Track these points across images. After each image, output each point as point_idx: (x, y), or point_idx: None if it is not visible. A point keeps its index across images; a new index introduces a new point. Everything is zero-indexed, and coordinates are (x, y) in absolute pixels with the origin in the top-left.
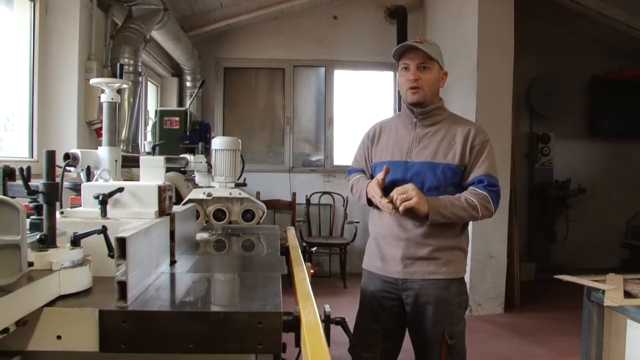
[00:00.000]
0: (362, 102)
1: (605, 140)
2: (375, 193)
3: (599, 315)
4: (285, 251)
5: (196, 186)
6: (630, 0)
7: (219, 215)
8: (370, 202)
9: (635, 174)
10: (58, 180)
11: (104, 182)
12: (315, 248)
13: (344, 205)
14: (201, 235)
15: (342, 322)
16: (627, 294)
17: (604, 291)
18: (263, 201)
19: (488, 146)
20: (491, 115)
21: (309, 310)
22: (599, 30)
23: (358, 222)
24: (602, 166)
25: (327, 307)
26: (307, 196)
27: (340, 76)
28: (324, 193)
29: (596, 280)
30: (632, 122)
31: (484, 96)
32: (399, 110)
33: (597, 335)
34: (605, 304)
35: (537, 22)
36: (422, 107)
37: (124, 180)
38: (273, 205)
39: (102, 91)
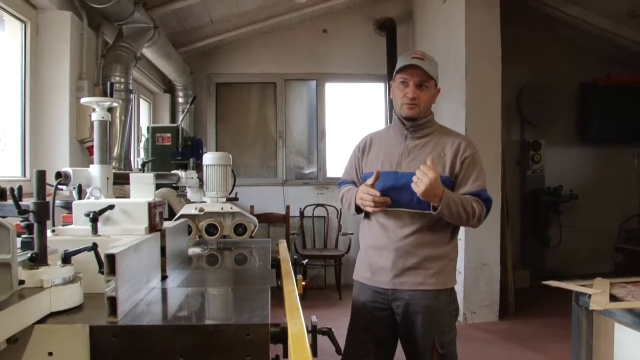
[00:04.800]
0: (353, 114)
1: (596, 146)
2: (364, 188)
3: (587, 320)
4: (277, 264)
5: (188, 201)
6: (614, 8)
7: (211, 230)
8: (358, 210)
9: (626, 178)
10: (49, 199)
11: (95, 200)
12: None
13: (337, 217)
14: (194, 250)
15: (328, 333)
16: (614, 298)
17: (590, 295)
18: (257, 215)
19: (479, 160)
20: (481, 123)
21: (296, 321)
22: (585, 37)
23: (352, 234)
24: (593, 172)
25: (314, 318)
26: (300, 209)
27: (332, 89)
28: (318, 205)
29: (583, 285)
30: (621, 127)
31: (473, 105)
32: (391, 121)
33: (586, 339)
34: (590, 308)
35: (524, 31)
36: (415, 121)
37: (117, 197)
38: (267, 218)
39: (93, 110)
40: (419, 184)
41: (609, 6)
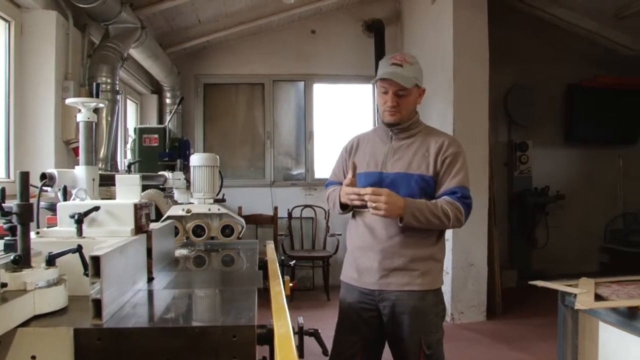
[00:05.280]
0: (341, 115)
1: (582, 147)
2: (346, 187)
3: (573, 319)
4: (264, 265)
5: (175, 203)
6: (601, 10)
7: (199, 231)
8: (344, 207)
9: (612, 179)
10: (34, 200)
11: (80, 202)
12: (294, 262)
13: (325, 218)
14: (181, 252)
15: (315, 334)
16: (599, 297)
17: (576, 295)
18: (245, 216)
19: (461, 158)
20: (468, 124)
21: (282, 323)
22: (572, 39)
23: (340, 235)
24: (580, 172)
25: (301, 319)
26: (288, 210)
27: (320, 90)
28: (306, 206)
29: (569, 285)
30: (607, 128)
31: (461, 106)
32: (379, 122)
33: (571, 338)
34: (576, 308)
35: (512, 33)
36: (399, 126)
37: (103, 199)
38: (255, 219)
39: (79, 110)
40: (378, 208)
41: (595, 8)
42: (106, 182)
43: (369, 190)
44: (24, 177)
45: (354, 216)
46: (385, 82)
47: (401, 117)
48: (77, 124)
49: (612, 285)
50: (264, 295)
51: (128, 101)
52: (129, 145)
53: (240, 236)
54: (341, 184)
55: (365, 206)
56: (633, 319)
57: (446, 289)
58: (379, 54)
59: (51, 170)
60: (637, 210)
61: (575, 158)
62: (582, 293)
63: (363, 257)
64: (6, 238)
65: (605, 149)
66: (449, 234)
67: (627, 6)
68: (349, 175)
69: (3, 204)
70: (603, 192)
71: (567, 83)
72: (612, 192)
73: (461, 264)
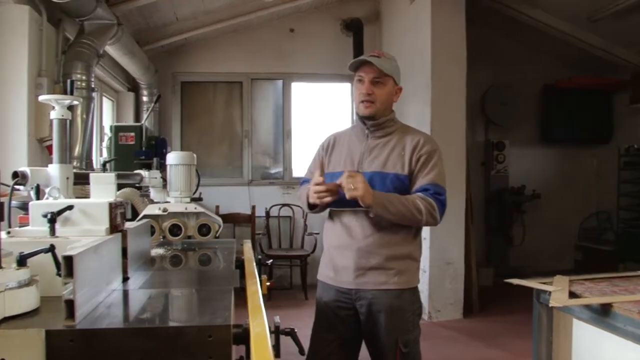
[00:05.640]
0: (320, 113)
1: (558, 146)
2: (312, 186)
3: (547, 316)
4: (241, 265)
5: (152, 202)
6: (575, 12)
7: (175, 230)
8: (312, 207)
9: (586, 178)
10: (5, 199)
11: (53, 200)
12: (271, 261)
13: (303, 217)
14: (157, 251)
15: (291, 333)
16: (573, 295)
17: (550, 293)
18: (222, 215)
19: (436, 156)
20: (446, 123)
21: (258, 322)
22: (549, 40)
23: (318, 234)
24: (555, 172)
25: (277, 319)
26: (266, 209)
27: (298, 88)
28: (284, 205)
29: (544, 283)
30: (581, 128)
31: (439, 105)
32: (356, 121)
33: (546, 335)
34: (550, 305)
35: (489, 34)
36: (374, 120)
37: (78, 197)
38: (233, 218)
39: (53, 108)
40: (355, 188)
41: (570, 11)
42: (81, 181)
43: (344, 174)
44: None
45: (330, 215)
46: (362, 70)
47: (376, 110)
48: (51, 121)
49: (585, 283)
50: (242, 295)
51: (104, 99)
52: (104, 144)
53: (217, 235)
54: None
55: (336, 201)
56: (605, 316)
57: (423, 287)
58: (358, 53)
59: (24, 168)
60: (610, 209)
61: (551, 157)
62: (556, 291)
63: (340, 256)
64: None
65: (580, 148)
66: (426, 232)
67: (600, 9)
68: (317, 174)
69: None
70: (578, 191)
71: (543, 83)
72: (586, 191)
73: (438, 262)
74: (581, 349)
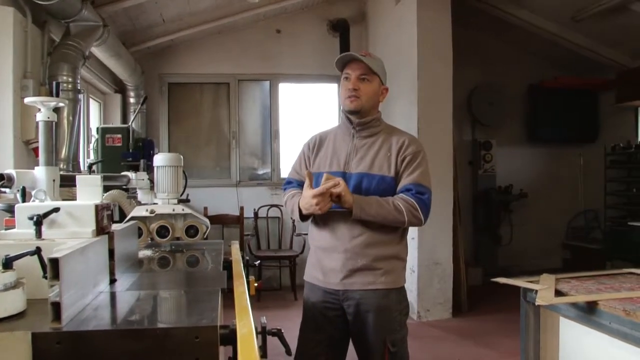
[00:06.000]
0: (307, 114)
1: (544, 146)
2: (305, 194)
3: (535, 314)
4: (229, 266)
5: (139, 203)
6: (560, 12)
7: (163, 232)
8: (303, 217)
9: (573, 177)
10: None
11: (39, 203)
12: (259, 262)
13: (291, 218)
14: (144, 253)
15: (278, 333)
16: (559, 293)
17: (537, 291)
18: (211, 216)
19: (420, 157)
20: (432, 123)
21: (245, 322)
22: (535, 40)
23: (306, 234)
24: (542, 171)
25: (264, 319)
26: (255, 210)
27: (285, 89)
28: (272, 206)
29: (531, 281)
30: (568, 127)
31: (425, 105)
32: (341, 120)
33: (533, 333)
34: (537, 303)
35: (476, 33)
36: (359, 116)
37: (65, 200)
38: (221, 220)
39: (39, 110)
40: (339, 185)
41: (554, 11)
42: (67, 183)
43: (324, 178)
44: None
45: (315, 217)
46: (349, 67)
47: (362, 104)
48: (37, 123)
49: (571, 281)
50: (229, 296)
51: (91, 100)
52: (91, 146)
53: (205, 236)
54: (301, 182)
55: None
56: (591, 314)
57: (412, 287)
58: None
59: (9, 170)
60: (597, 207)
61: (538, 157)
62: (543, 289)
63: (327, 258)
64: None
65: (567, 147)
66: (414, 233)
67: (582, 10)
68: (307, 184)
69: None
70: (565, 190)
71: (529, 83)
72: (573, 190)
73: (427, 262)
74: (568, 346)
